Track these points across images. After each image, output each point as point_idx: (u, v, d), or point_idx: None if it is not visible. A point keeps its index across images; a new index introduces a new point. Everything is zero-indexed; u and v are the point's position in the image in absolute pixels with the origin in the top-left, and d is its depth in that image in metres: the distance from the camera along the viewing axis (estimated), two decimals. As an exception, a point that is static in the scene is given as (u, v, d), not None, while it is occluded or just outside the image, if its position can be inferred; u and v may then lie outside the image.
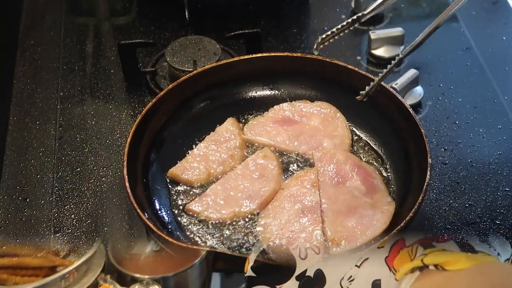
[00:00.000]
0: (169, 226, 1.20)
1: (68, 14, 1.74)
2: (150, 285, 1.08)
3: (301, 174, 1.27)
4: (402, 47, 1.58)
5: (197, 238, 1.20)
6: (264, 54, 1.37)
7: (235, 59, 1.37)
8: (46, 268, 1.12)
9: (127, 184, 1.16)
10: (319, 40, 1.21)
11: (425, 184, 1.13)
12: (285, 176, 1.28)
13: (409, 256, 1.06)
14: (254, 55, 1.37)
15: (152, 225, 1.12)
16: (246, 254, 1.16)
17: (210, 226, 1.22)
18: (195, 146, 1.32)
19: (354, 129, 1.35)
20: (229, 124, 1.34)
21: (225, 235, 1.20)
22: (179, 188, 1.27)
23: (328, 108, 1.35)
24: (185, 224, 1.22)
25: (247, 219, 1.22)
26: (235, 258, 1.06)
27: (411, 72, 1.48)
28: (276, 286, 1.05)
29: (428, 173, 1.15)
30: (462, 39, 1.64)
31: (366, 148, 1.32)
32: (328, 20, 1.71)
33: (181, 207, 1.24)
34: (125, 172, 1.17)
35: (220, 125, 1.35)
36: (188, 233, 1.20)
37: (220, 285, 1.26)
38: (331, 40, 1.22)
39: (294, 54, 1.36)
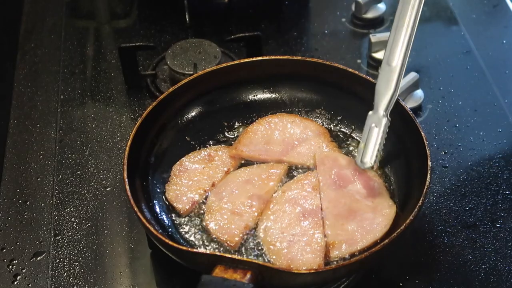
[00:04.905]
0: (169, 229, 1.20)
1: (69, 17, 1.74)
2: None
3: (302, 177, 1.27)
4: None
5: (197, 242, 1.20)
6: (265, 58, 1.36)
7: (236, 62, 1.37)
8: None
9: (127, 187, 1.15)
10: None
11: (426, 187, 1.13)
12: (286, 179, 1.28)
13: None
14: (254, 59, 1.37)
15: (152, 228, 1.11)
16: (247, 257, 1.16)
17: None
18: (196, 149, 1.32)
19: (354, 132, 1.35)
20: None
21: (225, 238, 1.20)
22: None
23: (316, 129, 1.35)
24: (185, 227, 1.22)
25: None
26: (235, 262, 1.05)
27: (411, 75, 1.49)
28: None
29: (429, 176, 1.15)
30: (462, 42, 1.64)
31: (366, 151, 1.32)
32: (328, 23, 1.71)
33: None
34: (125, 175, 1.17)
35: (221, 128, 1.35)
36: (188, 236, 1.20)
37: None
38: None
39: (295, 58, 1.36)
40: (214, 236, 1.19)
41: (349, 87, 1.33)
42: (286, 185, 1.26)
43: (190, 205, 1.23)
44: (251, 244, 1.19)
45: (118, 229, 1.31)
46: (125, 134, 1.46)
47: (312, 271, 1.08)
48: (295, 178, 1.27)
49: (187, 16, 1.69)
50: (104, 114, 1.51)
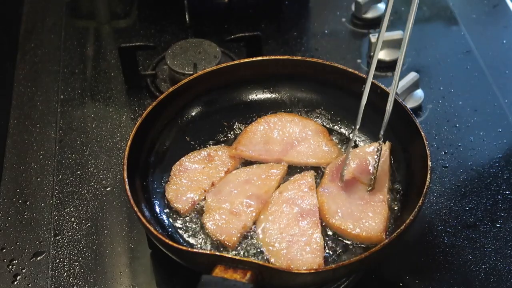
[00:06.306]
0: (169, 229, 1.20)
1: (69, 17, 1.74)
2: None
3: (298, 177, 1.27)
4: (402, 50, 1.58)
5: (197, 242, 1.20)
6: (265, 57, 1.36)
7: (236, 62, 1.37)
8: None
9: (127, 187, 1.15)
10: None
11: (426, 187, 1.13)
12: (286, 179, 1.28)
13: None
14: (254, 58, 1.37)
15: (152, 228, 1.11)
16: (246, 258, 1.16)
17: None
18: (196, 149, 1.32)
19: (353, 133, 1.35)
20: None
21: (225, 238, 1.20)
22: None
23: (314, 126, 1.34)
24: (185, 227, 1.22)
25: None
26: (235, 262, 1.05)
27: (412, 75, 1.49)
28: None
29: (429, 176, 1.15)
30: (463, 42, 1.64)
31: (366, 151, 1.32)
32: (328, 23, 1.71)
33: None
34: (125, 175, 1.17)
35: (221, 128, 1.35)
36: (187, 236, 1.20)
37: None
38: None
39: (294, 57, 1.36)
40: (212, 235, 1.19)
41: (349, 87, 1.33)
42: (283, 186, 1.26)
43: (190, 205, 1.23)
44: (250, 244, 1.19)
45: (118, 229, 1.31)
46: (125, 134, 1.46)
47: (312, 271, 1.08)
48: (291, 178, 1.27)
49: (187, 16, 1.69)
50: (104, 114, 1.51)
